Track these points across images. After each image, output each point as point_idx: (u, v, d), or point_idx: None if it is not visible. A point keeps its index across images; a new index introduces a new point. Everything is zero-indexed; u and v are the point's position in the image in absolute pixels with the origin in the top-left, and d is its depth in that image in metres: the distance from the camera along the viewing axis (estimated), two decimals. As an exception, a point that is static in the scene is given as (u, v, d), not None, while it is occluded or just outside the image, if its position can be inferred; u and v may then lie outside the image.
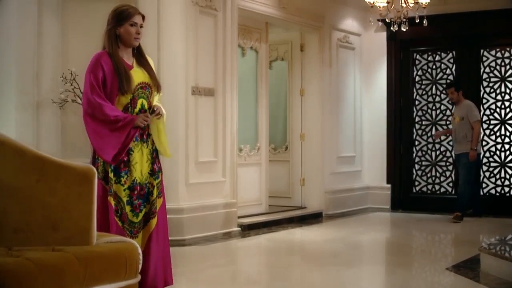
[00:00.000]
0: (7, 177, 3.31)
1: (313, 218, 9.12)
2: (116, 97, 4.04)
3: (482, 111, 9.79)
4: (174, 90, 6.88)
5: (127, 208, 4.03)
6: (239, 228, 7.73)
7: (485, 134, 9.81)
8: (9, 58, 6.68)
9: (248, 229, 7.85)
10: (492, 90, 9.81)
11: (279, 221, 8.50)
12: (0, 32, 6.78)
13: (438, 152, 10.10)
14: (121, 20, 4.11)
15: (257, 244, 7.29)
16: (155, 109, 4.16)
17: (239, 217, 7.84)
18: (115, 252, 3.30)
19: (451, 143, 9.69)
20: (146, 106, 4.15)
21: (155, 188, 4.14)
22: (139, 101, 4.11)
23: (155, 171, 4.16)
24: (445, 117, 10.02)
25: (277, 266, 6.11)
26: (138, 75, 4.12)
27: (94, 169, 3.42)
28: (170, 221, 6.55)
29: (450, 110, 9.76)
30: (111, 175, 3.99)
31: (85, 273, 3.06)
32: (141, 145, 4.12)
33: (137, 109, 4.10)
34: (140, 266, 3.44)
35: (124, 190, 4.02)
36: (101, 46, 4.16)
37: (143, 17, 4.20)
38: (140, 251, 3.47)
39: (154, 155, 4.19)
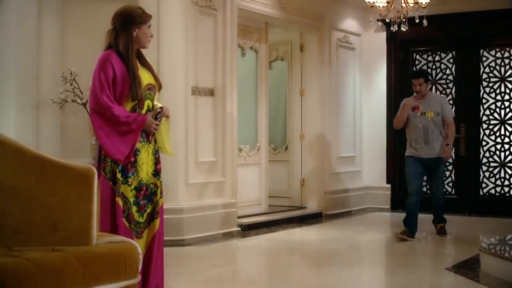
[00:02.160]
0: (7, 177, 3.30)
1: (313, 218, 9.12)
2: (125, 99, 4.04)
3: (482, 111, 9.80)
4: (174, 90, 6.88)
5: (134, 209, 4.05)
6: (239, 228, 7.73)
7: (485, 134, 9.81)
8: (9, 58, 6.67)
9: (248, 229, 7.85)
10: (492, 90, 9.81)
11: (279, 221, 8.50)
12: (-1, 32, 6.79)
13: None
14: (141, 22, 4.10)
15: (257, 244, 7.28)
16: (166, 113, 4.18)
17: (238, 217, 7.84)
18: (115, 252, 3.30)
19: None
20: (151, 107, 4.19)
21: (159, 188, 4.17)
22: (146, 102, 4.15)
23: (158, 171, 4.18)
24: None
25: (276, 266, 6.11)
26: (144, 77, 4.13)
27: (94, 169, 3.42)
28: (170, 221, 6.56)
29: None
30: (118, 175, 3.99)
31: (84, 273, 3.06)
32: (147, 146, 4.14)
33: (144, 110, 4.13)
34: (140, 267, 3.44)
35: (131, 190, 4.03)
36: (104, 45, 4.14)
37: None
38: (140, 251, 3.47)
39: (157, 156, 4.22)
